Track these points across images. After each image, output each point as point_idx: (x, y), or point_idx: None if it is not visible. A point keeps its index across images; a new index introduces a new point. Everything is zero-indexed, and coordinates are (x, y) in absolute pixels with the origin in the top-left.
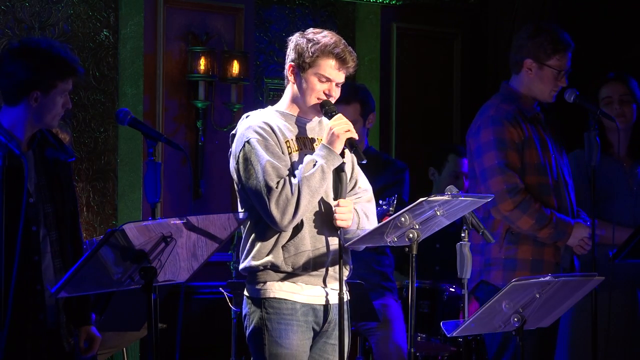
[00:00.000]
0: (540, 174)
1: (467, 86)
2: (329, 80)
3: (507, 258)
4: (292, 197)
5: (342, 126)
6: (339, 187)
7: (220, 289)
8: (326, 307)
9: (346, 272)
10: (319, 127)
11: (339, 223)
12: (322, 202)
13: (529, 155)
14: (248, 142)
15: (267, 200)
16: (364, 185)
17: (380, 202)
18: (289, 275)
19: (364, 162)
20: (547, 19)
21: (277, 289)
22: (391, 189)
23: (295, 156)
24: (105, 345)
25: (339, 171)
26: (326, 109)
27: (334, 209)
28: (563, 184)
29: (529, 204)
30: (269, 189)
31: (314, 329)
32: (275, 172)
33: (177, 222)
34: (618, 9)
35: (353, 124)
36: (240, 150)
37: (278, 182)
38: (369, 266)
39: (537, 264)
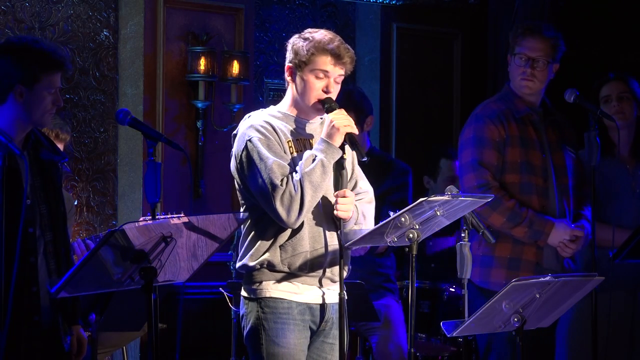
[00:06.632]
0: (522, 173)
1: (467, 86)
2: (326, 75)
3: (484, 255)
4: (295, 194)
5: (342, 120)
6: (340, 184)
7: (220, 289)
8: (323, 306)
9: (344, 273)
10: (320, 129)
11: (340, 214)
12: (323, 199)
13: (511, 154)
14: (250, 140)
15: (272, 198)
16: (365, 186)
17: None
18: (285, 276)
19: (365, 159)
20: (547, 20)
21: (273, 288)
22: (397, 192)
23: (296, 157)
24: (105, 345)
25: (340, 168)
26: (327, 106)
27: (335, 199)
28: (554, 185)
29: (500, 201)
30: (274, 187)
31: (310, 328)
32: (280, 170)
33: (177, 221)
34: (618, 10)
35: None
36: (243, 150)
37: (282, 180)
38: (371, 267)
39: (514, 263)
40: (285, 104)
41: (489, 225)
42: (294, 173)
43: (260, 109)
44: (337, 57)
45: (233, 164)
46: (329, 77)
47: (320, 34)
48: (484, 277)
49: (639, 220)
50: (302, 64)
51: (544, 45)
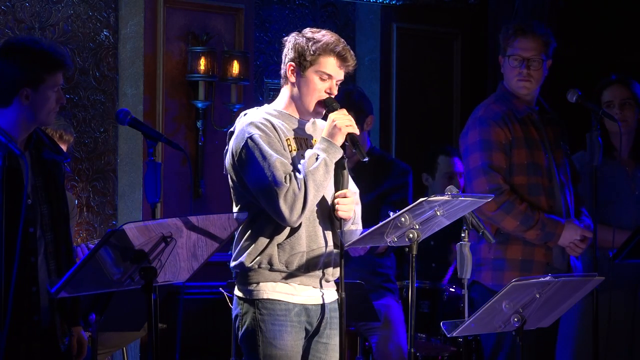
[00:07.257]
0: (529, 175)
1: (467, 86)
2: (330, 77)
3: (496, 258)
4: (299, 192)
5: (344, 120)
6: (340, 184)
7: (220, 289)
8: (320, 307)
9: (337, 273)
10: (312, 128)
11: (341, 214)
12: (322, 199)
13: (517, 155)
14: (251, 137)
15: (276, 196)
16: (352, 188)
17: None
18: (282, 276)
19: (366, 160)
20: (547, 20)
21: (270, 289)
22: (397, 192)
23: (295, 156)
24: (105, 345)
25: (341, 168)
26: (329, 107)
27: (336, 200)
28: (558, 184)
29: (513, 205)
30: (278, 185)
31: (306, 329)
32: (282, 168)
33: (177, 222)
34: (618, 10)
35: None
36: (243, 147)
37: (286, 178)
38: (371, 267)
39: (526, 264)
40: (282, 103)
41: (501, 228)
42: (296, 172)
43: (256, 107)
44: (343, 60)
45: (228, 161)
46: (332, 79)
47: (325, 35)
48: (498, 280)
49: (639, 221)
50: (306, 64)
51: (536, 44)
